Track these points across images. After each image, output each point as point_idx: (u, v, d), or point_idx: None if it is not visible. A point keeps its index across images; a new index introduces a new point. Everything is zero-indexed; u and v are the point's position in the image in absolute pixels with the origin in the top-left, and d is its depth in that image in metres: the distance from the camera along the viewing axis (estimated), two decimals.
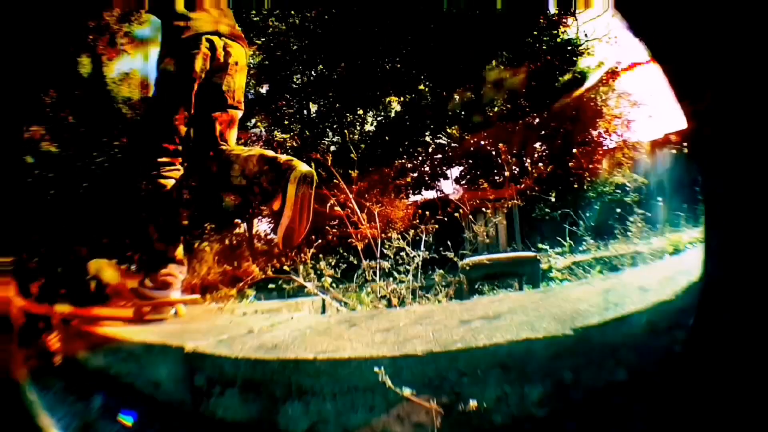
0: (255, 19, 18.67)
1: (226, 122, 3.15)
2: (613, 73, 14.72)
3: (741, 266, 0.97)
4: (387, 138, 17.05)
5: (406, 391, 1.46)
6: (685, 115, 1.08)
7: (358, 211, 4.23)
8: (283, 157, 2.90)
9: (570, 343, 1.43)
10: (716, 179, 1.02)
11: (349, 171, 4.56)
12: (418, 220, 4.36)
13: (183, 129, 3.05)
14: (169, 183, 3.02)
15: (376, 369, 1.49)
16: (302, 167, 2.83)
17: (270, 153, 2.98)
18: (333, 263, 4.27)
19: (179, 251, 3.10)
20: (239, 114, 3.26)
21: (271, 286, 4.93)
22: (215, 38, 3.06)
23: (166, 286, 3.00)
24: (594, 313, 1.64)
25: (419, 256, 4.09)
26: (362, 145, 17.06)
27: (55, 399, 2.31)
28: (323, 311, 4.70)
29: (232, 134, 3.21)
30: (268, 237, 17.28)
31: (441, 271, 4.34)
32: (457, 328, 1.76)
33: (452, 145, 16.84)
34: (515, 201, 5.48)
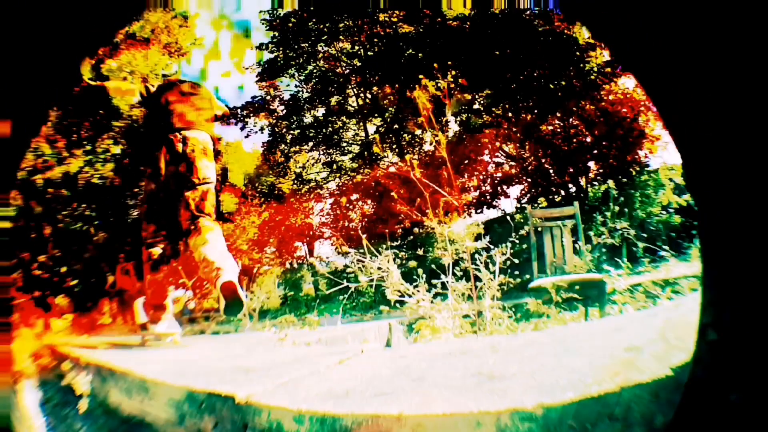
0: (303, 45, 18.82)
1: (198, 197, 3.78)
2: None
3: (736, 277, 0.95)
4: (445, 156, 16.81)
5: None
6: (665, 127, 1.11)
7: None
8: (215, 265, 3.49)
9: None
10: (701, 191, 1.03)
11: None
12: (488, 240, 3.97)
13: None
14: (157, 252, 3.84)
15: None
16: (223, 278, 3.42)
17: (210, 256, 3.56)
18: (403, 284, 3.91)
19: (167, 302, 3.90)
20: (210, 186, 3.87)
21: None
22: (174, 135, 3.83)
23: (156, 320, 3.84)
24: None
25: (494, 278, 3.68)
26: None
27: None
28: (389, 344, 4.44)
29: (209, 204, 3.83)
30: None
31: (537, 300, 3.97)
32: (557, 368, 1.45)
33: (510, 163, 16.58)
34: (579, 220, 5.10)
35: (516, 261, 4.04)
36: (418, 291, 3.77)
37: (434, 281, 3.88)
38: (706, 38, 0.94)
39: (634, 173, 12.48)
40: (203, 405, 1.70)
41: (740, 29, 0.90)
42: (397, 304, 3.98)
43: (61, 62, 1.25)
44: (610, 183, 10.00)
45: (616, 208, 10.27)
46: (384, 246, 4.20)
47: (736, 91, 0.92)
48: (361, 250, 4.03)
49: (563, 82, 14.61)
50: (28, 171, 7.12)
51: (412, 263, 3.84)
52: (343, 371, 1.85)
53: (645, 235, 8.35)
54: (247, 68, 19.96)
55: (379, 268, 3.90)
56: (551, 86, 14.61)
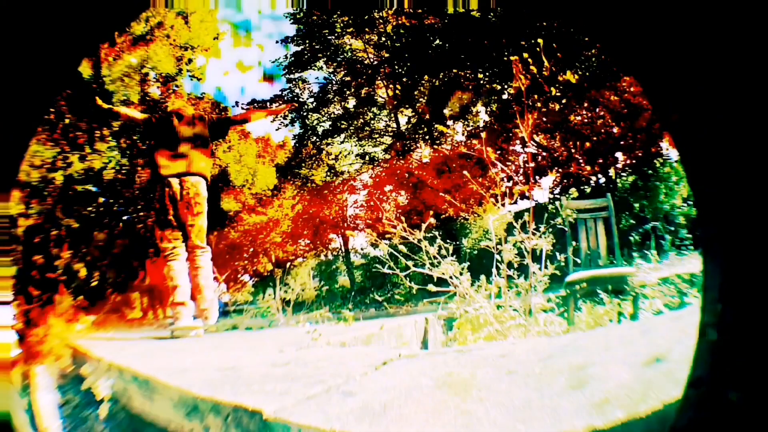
0: (329, 37, 18.77)
1: (195, 230, 4.76)
2: None
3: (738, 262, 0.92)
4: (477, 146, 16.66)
5: None
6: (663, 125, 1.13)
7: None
8: (206, 312, 4.73)
9: None
10: (700, 188, 1.01)
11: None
12: (530, 232, 3.79)
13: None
14: (174, 263, 4.69)
15: None
16: (210, 321, 4.75)
17: (201, 304, 4.71)
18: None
19: (185, 304, 4.64)
20: (203, 217, 4.80)
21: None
22: (173, 179, 4.68)
23: (177, 318, 4.60)
24: None
25: (543, 270, 3.50)
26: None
27: None
28: (425, 343, 4.36)
29: (202, 233, 4.82)
30: None
31: (575, 294, 3.80)
32: (606, 380, 1.34)
33: (543, 153, 16.36)
34: (612, 212, 4.94)
35: (554, 253, 3.93)
36: (479, 292, 3.61)
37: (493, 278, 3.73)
38: (702, 36, 0.93)
39: (658, 165, 12.37)
40: (229, 418, 1.57)
41: (739, 27, 0.88)
42: (434, 300, 3.85)
43: (58, 59, 1.18)
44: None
45: (645, 201, 10.17)
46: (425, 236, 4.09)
47: (734, 89, 0.90)
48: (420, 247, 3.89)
49: (587, 73, 14.39)
50: (47, 168, 7.15)
51: (502, 284, 3.65)
52: (379, 379, 1.71)
53: (672, 228, 8.31)
54: (274, 62, 20.01)
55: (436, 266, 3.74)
56: (576, 76, 14.38)
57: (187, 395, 1.85)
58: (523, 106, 4.60)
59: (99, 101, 5.24)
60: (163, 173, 4.69)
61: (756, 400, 0.85)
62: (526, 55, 4.56)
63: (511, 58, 4.87)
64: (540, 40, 4.67)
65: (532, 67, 4.75)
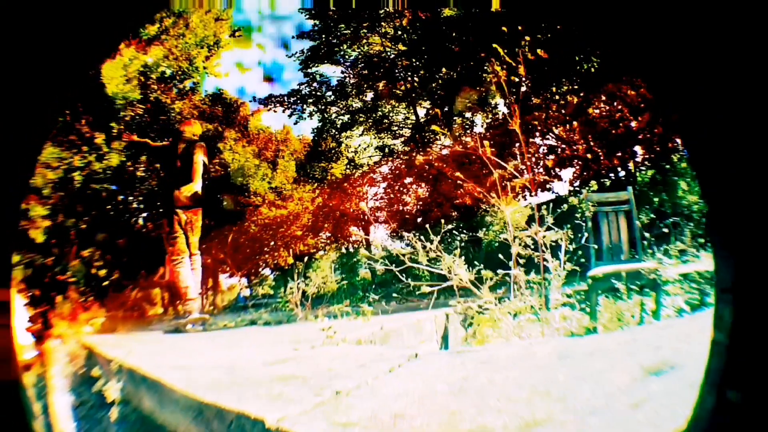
0: (345, 31, 18.72)
1: (194, 243, 5.79)
2: None
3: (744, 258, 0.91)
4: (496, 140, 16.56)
5: None
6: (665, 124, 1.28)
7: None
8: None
9: None
10: (710, 189, 1.02)
11: None
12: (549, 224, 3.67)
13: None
14: (183, 269, 5.68)
15: None
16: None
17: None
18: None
19: (195, 299, 5.65)
20: (198, 234, 5.84)
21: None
22: (180, 210, 5.70)
23: (190, 312, 5.54)
24: None
25: (562, 267, 3.39)
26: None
27: None
28: (446, 345, 4.29)
29: (196, 244, 5.84)
30: None
31: (596, 289, 3.68)
32: (632, 391, 1.27)
33: (562, 146, 16.20)
34: (633, 206, 4.84)
35: (574, 247, 3.85)
36: (484, 289, 3.52)
37: (499, 271, 3.62)
38: (702, 37, 0.94)
39: (675, 160, 12.24)
40: (233, 425, 1.50)
41: (738, 28, 0.89)
42: (455, 294, 3.77)
43: (67, 65, 1.16)
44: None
45: (664, 195, 10.09)
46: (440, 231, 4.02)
47: (733, 90, 0.91)
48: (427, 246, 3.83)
49: (602, 66, 14.25)
50: (64, 169, 7.14)
51: (487, 273, 3.55)
52: (392, 384, 1.62)
53: (691, 224, 8.24)
54: (290, 56, 20.08)
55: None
56: (592, 70, 14.24)
57: (193, 399, 1.78)
58: (506, 98, 4.52)
59: (129, 135, 6.11)
60: (176, 205, 5.74)
61: (756, 399, 0.84)
62: (502, 52, 4.46)
63: (482, 55, 4.80)
64: (539, 36, 4.58)
65: (531, 57, 4.67)
